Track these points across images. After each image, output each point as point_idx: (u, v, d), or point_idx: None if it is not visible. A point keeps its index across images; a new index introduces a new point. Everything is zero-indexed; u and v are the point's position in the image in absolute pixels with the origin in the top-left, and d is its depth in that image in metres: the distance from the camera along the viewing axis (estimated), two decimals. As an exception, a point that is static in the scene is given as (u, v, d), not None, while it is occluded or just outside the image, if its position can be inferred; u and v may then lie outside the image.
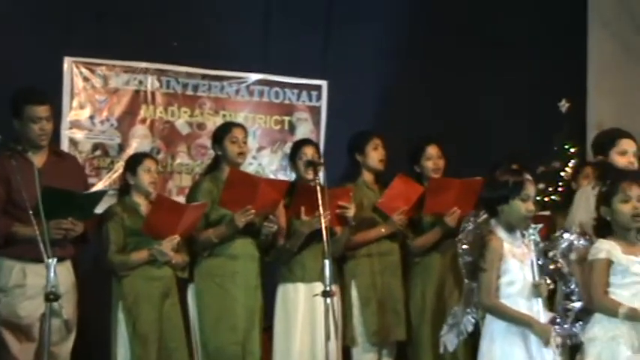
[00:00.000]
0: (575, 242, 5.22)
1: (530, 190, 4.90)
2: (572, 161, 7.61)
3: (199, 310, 6.23)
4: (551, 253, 5.07)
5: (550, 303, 5.34)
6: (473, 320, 4.97)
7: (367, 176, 6.73)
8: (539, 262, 4.92)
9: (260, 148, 7.74)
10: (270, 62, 7.72)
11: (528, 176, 4.95)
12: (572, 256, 5.17)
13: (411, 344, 6.63)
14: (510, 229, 4.90)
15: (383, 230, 6.57)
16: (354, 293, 6.53)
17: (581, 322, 5.12)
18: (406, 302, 6.63)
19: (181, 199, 6.89)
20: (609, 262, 4.97)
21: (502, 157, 6.16)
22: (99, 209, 5.96)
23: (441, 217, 6.46)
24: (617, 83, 8.69)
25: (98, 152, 7.32)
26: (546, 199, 7.44)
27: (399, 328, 6.57)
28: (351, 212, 6.40)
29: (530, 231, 4.95)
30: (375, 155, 6.69)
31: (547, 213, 6.86)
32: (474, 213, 5.04)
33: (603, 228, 5.12)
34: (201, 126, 7.61)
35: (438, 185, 6.53)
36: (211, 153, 6.63)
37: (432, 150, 6.74)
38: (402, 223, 6.54)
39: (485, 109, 8.04)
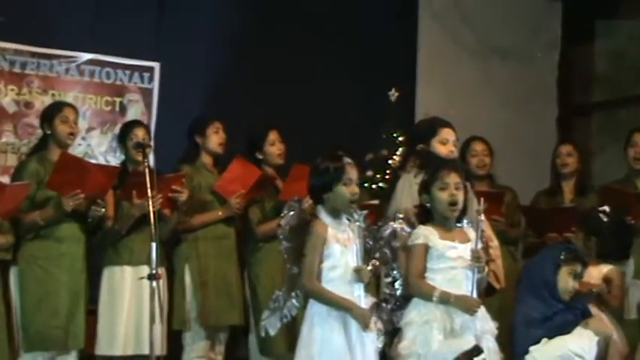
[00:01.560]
0: (399, 229, 5.33)
1: (352, 173, 4.97)
2: (400, 149, 7.75)
3: (21, 293, 6.10)
4: (375, 239, 5.15)
5: (376, 288, 5.46)
6: (297, 305, 5.01)
7: (206, 159, 6.73)
8: (366, 248, 5.03)
9: (90, 129, 7.62)
10: (101, 42, 7.59)
11: (348, 160, 5.01)
12: (396, 242, 5.27)
13: (259, 329, 6.61)
14: (336, 214, 4.97)
15: (220, 213, 6.57)
16: (187, 277, 6.53)
17: (401, 308, 5.22)
18: (253, 288, 6.64)
19: (6, 180, 6.71)
20: (426, 248, 5.09)
21: (327, 145, 6.23)
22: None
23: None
24: (445, 74, 8.93)
25: None
26: (374, 186, 7.57)
27: (233, 313, 6.59)
28: (183, 197, 6.39)
29: (356, 217, 5.04)
30: (215, 138, 6.70)
31: (376, 202, 6.98)
32: (297, 199, 5.10)
33: (425, 215, 5.24)
34: (28, 105, 7.43)
35: (298, 173, 6.54)
36: (39, 132, 6.49)
37: (273, 135, 6.78)
38: (239, 207, 6.55)
39: (318, 97, 8.12)
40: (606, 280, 6.10)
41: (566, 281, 5.46)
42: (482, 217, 5.25)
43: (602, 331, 5.41)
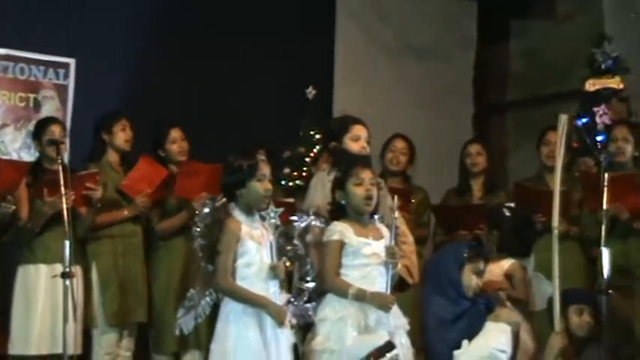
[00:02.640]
0: (312, 224, 5.35)
1: (265, 169, 5.00)
2: (318, 147, 7.79)
3: None
4: (287, 236, 5.18)
5: (289, 284, 5.48)
6: (210, 302, 5.02)
7: (112, 156, 6.68)
8: (279, 244, 5.05)
9: (3, 126, 7.48)
10: (15, 37, 7.47)
11: (262, 156, 5.05)
12: (308, 238, 5.29)
13: (154, 326, 6.64)
14: (249, 211, 4.99)
15: (126, 212, 6.55)
16: (94, 274, 6.48)
17: (314, 303, 5.24)
18: (150, 284, 6.63)
19: None
20: (342, 244, 5.13)
21: (244, 143, 6.26)
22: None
23: (189, 201, 6.48)
24: (362, 72, 8.99)
25: None
26: (291, 184, 7.60)
27: (139, 310, 6.55)
28: (97, 194, 6.35)
29: (271, 214, 5.06)
30: (122, 135, 6.66)
31: (291, 200, 7.01)
32: (211, 197, 5.10)
33: (338, 212, 5.28)
34: (-58, 100, 7.32)
35: (188, 169, 6.56)
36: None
37: (175, 133, 6.76)
38: (145, 206, 6.53)
39: (235, 94, 8.11)
40: (508, 275, 6.24)
41: (470, 279, 5.52)
42: (397, 214, 5.31)
43: (513, 320, 5.50)
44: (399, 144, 7.28)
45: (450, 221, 7.02)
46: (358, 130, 5.78)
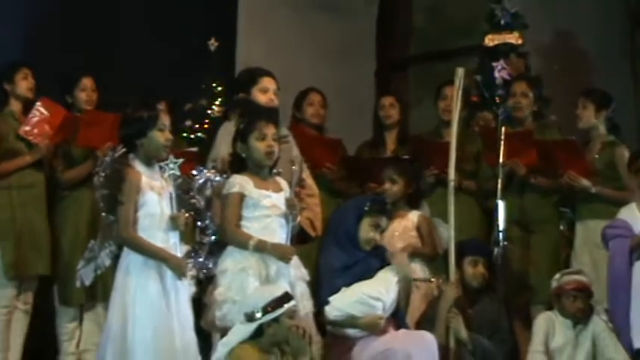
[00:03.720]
0: (212, 177, 5.36)
1: (165, 119, 4.98)
2: (220, 100, 7.77)
3: None
4: (188, 188, 5.18)
5: (191, 236, 5.49)
6: (110, 254, 5.00)
7: (15, 106, 6.56)
8: (179, 196, 5.04)
9: None
10: None
11: (161, 107, 5.04)
12: (208, 191, 5.30)
13: (60, 278, 6.57)
14: (149, 162, 4.97)
15: (28, 158, 6.43)
16: (-7, 226, 6.39)
17: (215, 256, 5.27)
18: (56, 236, 6.56)
19: None
20: (242, 196, 5.14)
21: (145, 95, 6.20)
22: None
23: (94, 151, 6.40)
24: (266, 25, 8.96)
25: None
26: (193, 136, 7.58)
27: (40, 263, 6.47)
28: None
29: (171, 165, 5.04)
30: (24, 84, 6.54)
31: (194, 149, 7.01)
32: (111, 147, 5.07)
33: (237, 163, 5.28)
34: None
35: (91, 118, 6.47)
36: None
37: (86, 82, 6.67)
38: (48, 149, 6.44)
39: (137, 46, 8.02)
40: (417, 228, 6.32)
41: (367, 232, 5.57)
42: (296, 166, 5.35)
43: (402, 271, 5.58)
44: (317, 97, 7.29)
45: (362, 174, 7.07)
46: (267, 82, 5.80)
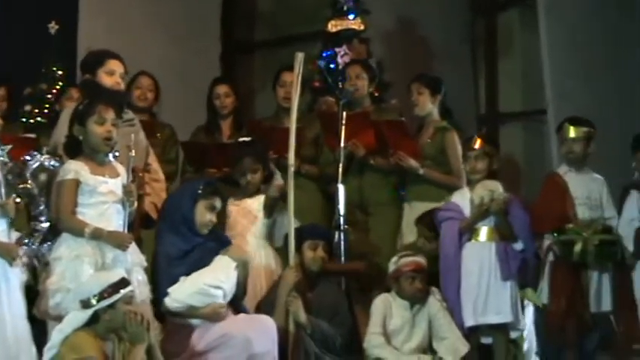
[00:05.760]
0: (46, 163, 5.27)
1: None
2: (61, 84, 7.63)
3: None
4: (20, 174, 5.08)
5: (25, 223, 5.38)
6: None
7: None
8: (9, 182, 4.94)
9: None
10: None
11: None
12: (43, 176, 5.21)
13: None
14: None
15: None
16: None
17: (49, 242, 5.19)
18: None
19: None
20: (77, 183, 5.06)
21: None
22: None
23: None
24: (108, 5, 8.79)
25: None
26: (32, 120, 7.42)
27: None
28: None
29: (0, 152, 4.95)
30: None
31: (33, 135, 6.85)
32: None
33: (74, 147, 5.20)
34: None
35: None
36: None
37: None
38: None
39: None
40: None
41: (203, 215, 5.53)
42: (134, 152, 5.30)
43: (239, 257, 5.59)
44: (145, 81, 7.22)
45: (199, 159, 7.04)
46: (114, 65, 5.75)
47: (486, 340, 6.04)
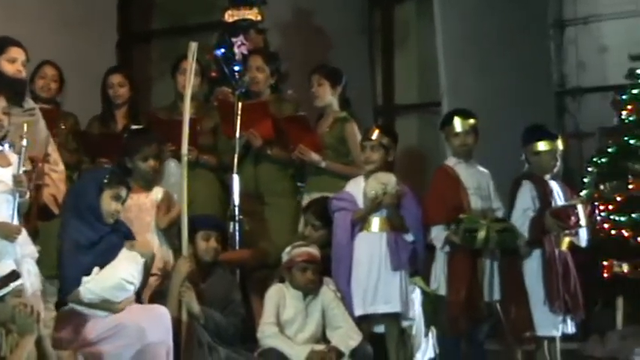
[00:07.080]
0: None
1: None
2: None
3: None
4: None
5: None
6: None
7: None
8: None
9: None
10: None
11: None
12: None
13: None
14: None
15: None
16: None
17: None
18: None
19: None
20: None
21: None
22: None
23: None
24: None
25: None
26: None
27: None
28: None
29: None
30: None
31: None
32: None
33: None
34: None
35: None
36: None
37: None
38: None
39: None
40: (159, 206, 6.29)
41: (109, 204, 5.52)
42: (25, 141, 5.23)
43: (146, 252, 5.60)
44: (50, 71, 7.14)
45: (93, 149, 7.00)
46: (15, 52, 5.73)
47: (379, 329, 6.11)
